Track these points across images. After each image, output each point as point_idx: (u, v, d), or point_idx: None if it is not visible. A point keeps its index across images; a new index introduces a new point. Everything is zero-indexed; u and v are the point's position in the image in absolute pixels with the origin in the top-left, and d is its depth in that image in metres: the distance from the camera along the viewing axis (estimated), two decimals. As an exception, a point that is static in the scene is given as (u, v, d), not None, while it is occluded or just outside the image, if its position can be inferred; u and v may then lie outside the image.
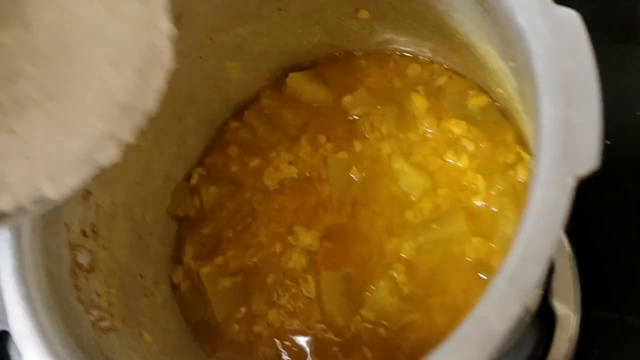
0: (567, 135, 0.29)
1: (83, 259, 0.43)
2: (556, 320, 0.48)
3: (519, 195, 0.44)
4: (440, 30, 0.46)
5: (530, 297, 0.28)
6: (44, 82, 0.25)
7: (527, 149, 0.46)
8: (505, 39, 0.33)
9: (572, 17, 0.30)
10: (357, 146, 0.51)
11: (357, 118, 0.52)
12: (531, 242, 0.27)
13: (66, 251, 0.41)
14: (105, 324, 0.41)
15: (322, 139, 0.53)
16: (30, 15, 0.25)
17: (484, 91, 0.48)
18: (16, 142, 0.26)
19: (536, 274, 0.27)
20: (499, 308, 0.26)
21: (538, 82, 0.29)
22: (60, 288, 0.39)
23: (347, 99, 0.53)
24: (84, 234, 0.44)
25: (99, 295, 0.43)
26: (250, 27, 0.50)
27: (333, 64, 0.56)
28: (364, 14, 0.50)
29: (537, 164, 0.29)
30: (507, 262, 0.27)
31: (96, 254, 0.45)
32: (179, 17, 0.45)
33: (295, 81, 0.55)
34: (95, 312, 0.41)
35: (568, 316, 0.48)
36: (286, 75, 0.55)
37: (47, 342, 0.35)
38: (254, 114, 0.56)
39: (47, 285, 0.38)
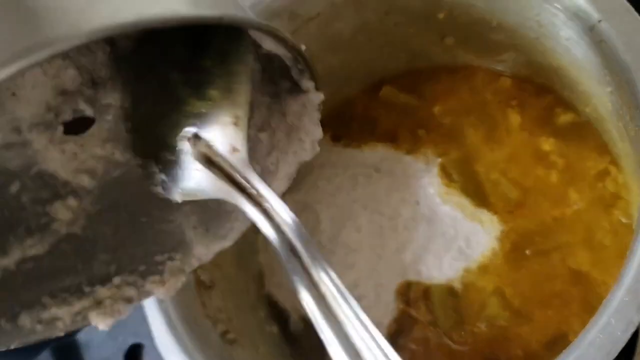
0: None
1: (205, 277, 0.47)
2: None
3: (609, 206, 0.46)
4: (527, 54, 0.48)
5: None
6: None
7: (613, 161, 0.48)
8: (605, 69, 0.36)
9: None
10: (454, 152, 0.52)
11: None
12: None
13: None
14: (230, 336, 0.45)
15: (422, 132, 0.54)
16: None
17: (571, 108, 0.50)
18: None
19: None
20: (621, 316, 0.29)
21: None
22: (191, 305, 0.44)
23: (437, 109, 0.54)
24: (202, 255, 0.48)
25: (220, 310, 0.47)
26: (342, 56, 0.53)
27: (418, 79, 0.56)
28: (449, 40, 0.52)
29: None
30: (625, 273, 0.30)
31: (212, 272, 0.49)
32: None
33: (389, 93, 0.56)
34: (220, 326, 0.45)
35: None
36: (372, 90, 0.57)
37: (189, 354, 0.40)
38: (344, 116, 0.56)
39: (182, 304, 0.42)
